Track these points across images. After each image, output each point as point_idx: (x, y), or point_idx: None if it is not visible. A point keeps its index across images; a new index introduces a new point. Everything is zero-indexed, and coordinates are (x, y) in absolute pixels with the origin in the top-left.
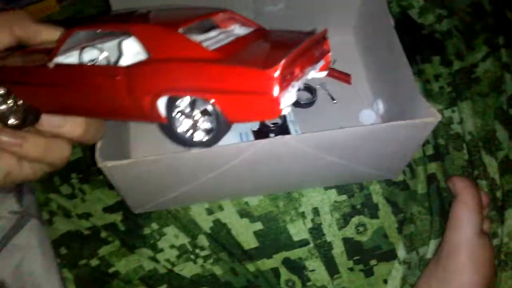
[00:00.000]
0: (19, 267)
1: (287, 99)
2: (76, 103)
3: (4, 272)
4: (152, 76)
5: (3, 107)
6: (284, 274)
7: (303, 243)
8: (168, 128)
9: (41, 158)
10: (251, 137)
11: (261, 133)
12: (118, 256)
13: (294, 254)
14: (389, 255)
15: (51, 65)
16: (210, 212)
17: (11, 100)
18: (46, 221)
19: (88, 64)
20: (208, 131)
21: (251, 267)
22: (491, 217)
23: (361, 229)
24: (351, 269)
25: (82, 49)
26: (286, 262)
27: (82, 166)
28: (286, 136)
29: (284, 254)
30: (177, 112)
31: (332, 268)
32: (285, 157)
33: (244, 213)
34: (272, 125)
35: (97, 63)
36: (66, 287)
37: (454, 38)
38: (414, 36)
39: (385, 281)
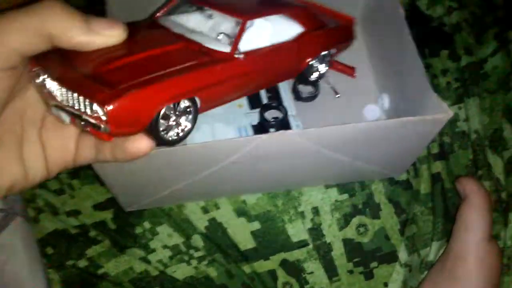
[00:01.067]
0: (2, 268)
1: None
2: (258, 83)
3: None
4: (314, 42)
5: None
6: (282, 276)
7: (302, 244)
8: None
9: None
10: (251, 131)
11: (261, 127)
12: (107, 257)
13: (292, 255)
14: (390, 257)
15: (240, 55)
16: (205, 210)
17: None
18: (32, 219)
19: (276, 44)
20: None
21: (247, 268)
22: (493, 219)
23: (362, 229)
24: (350, 272)
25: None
26: (284, 263)
27: None
28: (289, 131)
29: (282, 255)
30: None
31: (331, 270)
32: (286, 153)
33: (241, 212)
34: (272, 120)
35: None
36: None
37: (463, 32)
38: (422, 28)
39: (386, 284)
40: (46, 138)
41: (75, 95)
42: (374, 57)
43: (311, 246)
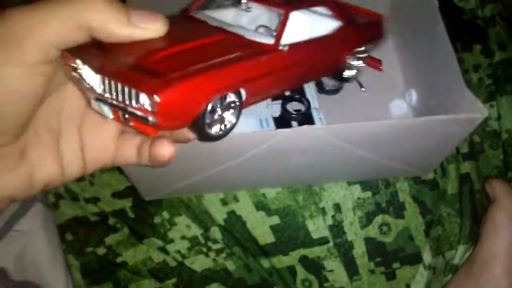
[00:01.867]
0: (22, 254)
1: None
2: (300, 76)
3: (6, 260)
4: (351, 37)
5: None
6: (301, 273)
7: (322, 241)
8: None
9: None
10: (272, 123)
11: (283, 120)
12: (126, 245)
13: (312, 252)
14: (414, 258)
15: (284, 47)
16: (224, 203)
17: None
18: (52, 205)
19: (317, 37)
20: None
21: (265, 263)
22: None
23: (385, 229)
24: (372, 271)
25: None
26: (303, 260)
27: None
28: (313, 127)
29: (302, 251)
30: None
31: (351, 269)
32: (309, 148)
33: (261, 206)
34: (294, 112)
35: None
36: (71, 274)
37: (497, 26)
38: (454, 21)
39: (408, 286)
40: (85, 135)
41: (120, 86)
42: (403, 50)
43: (331, 243)
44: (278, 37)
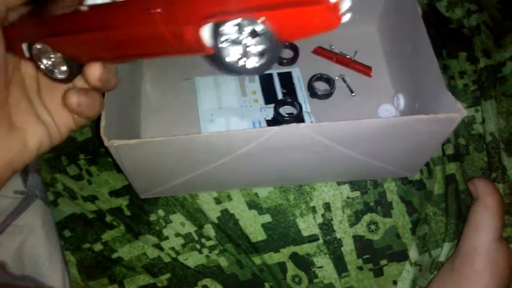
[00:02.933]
0: (21, 248)
1: (345, 3)
2: (117, 46)
3: (5, 253)
4: (194, 2)
5: (47, 62)
6: (291, 269)
7: (312, 238)
8: (216, 59)
9: (93, 113)
10: (265, 126)
11: (275, 122)
12: (122, 242)
13: (302, 249)
14: (401, 256)
15: (83, 8)
16: (218, 201)
17: (52, 54)
18: (51, 202)
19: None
20: (260, 54)
21: (257, 260)
22: (505, 222)
23: (373, 227)
24: (360, 268)
25: None
26: (294, 257)
27: (91, 147)
28: (301, 124)
29: (292, 248)
30: (224, 41)
31: (340, 265)
32: (298, 146)
33: (253, 205)
34: (286, 115)
35: None
36: (68, 270)
37: (482, 35)
38: (441, 30)
39: (395, 282)
40: (45, 101)
41: None
42: (391, 57)
43: (321, 241)
44: None
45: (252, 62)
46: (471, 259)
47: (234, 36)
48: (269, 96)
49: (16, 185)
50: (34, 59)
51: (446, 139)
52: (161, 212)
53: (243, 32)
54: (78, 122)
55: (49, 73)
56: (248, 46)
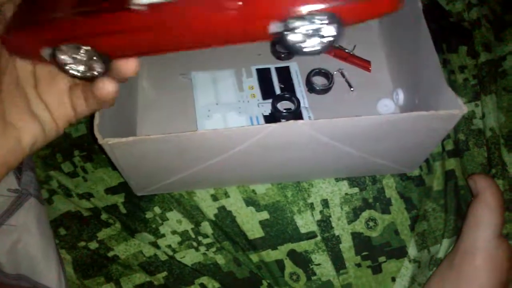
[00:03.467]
0: (16, 247)
1: None
2: (175, 42)
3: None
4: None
5: (79, 64)
6: (289, 266)
7: (310, 235)
8: (279, 41)
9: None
10: (262, 122)
11: (273, 118)
12: (118, 240)
13: (300, 246)
14: (399, 252)
15: (141, 8)
16: (215, 198)
17: (83, 53)
18: (46, 200)
19: None
20: (322, 37)
21: (255, 257)
22: (505, 218)
23: (371, 224)
24: (358, 265)
25: None
26: (292, 254)
27: (86, 143)
28: (299, 121)
29: (290, 246)
30: (291, 29)
31: (338, 263)
32: (296, 144)
33: (250, 201)
34: (284, 111)
35: None
36: (64, 268)
37: (483, 28)
38: (441, 23)
39: (393, 279)
40: (43, 95)
41: None
42: (390, 51)
43: (319, 238)
44: None
45: (315, 44)
46: (470, 256)
47: (304, 26)
48: (266, 91)
49: (9, 183)
50: (60, 62)
51: (446, 136)
52: (157, 210)
53: (314, 22)
54: (80, 113)
55: (80, 74)
56: (313, 32)
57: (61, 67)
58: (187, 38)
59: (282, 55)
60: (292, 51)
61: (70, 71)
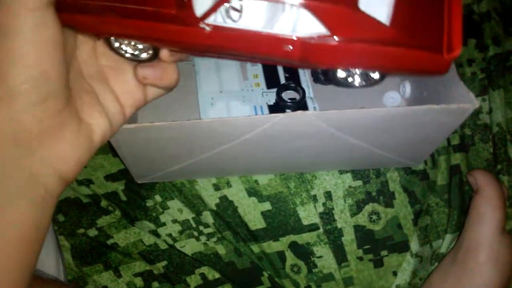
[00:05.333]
0: None
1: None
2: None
3: None
4: (332, 53)
5: (132, 49)
6: (290, 258)
7: (312, 227)
8: (325, 72)
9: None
10: (266, 111)
11: (277, 107)
12: (117, 228)
13: (302, 238)
14: (401, 247)
15: (207, 28)
16: (217, 188)
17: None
18: None
19: (257, 30)
20: (366, 76)
21: (256, 248)
22: (508, 214)
23: (374, 217)
24: (360, 258)
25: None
26: (293, 246)
27: None
28: (306, 112)
29: (292, 237)
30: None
31: (340, 255)
32: (302, 135)
33: (253, 192)
34: (289, 101)
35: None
36: (62, 255)
37: (492, 21)
38: None
39: (395, 273)
40: (115, 86)
41: None
42: None
43: (321, 230)
44: (206, 14)
45: (358, 81)
46: (474, 252)
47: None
48: (271, 80)
49: None
50: (113, 47)
51: (454, 130)
52: (158, 198)
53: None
54: (152, 95)
55: (133, 57)
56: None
57: (114, 49)
58: (239, 57)
59: (321, 81)
60: (336, 84)
61: (126, 55)
